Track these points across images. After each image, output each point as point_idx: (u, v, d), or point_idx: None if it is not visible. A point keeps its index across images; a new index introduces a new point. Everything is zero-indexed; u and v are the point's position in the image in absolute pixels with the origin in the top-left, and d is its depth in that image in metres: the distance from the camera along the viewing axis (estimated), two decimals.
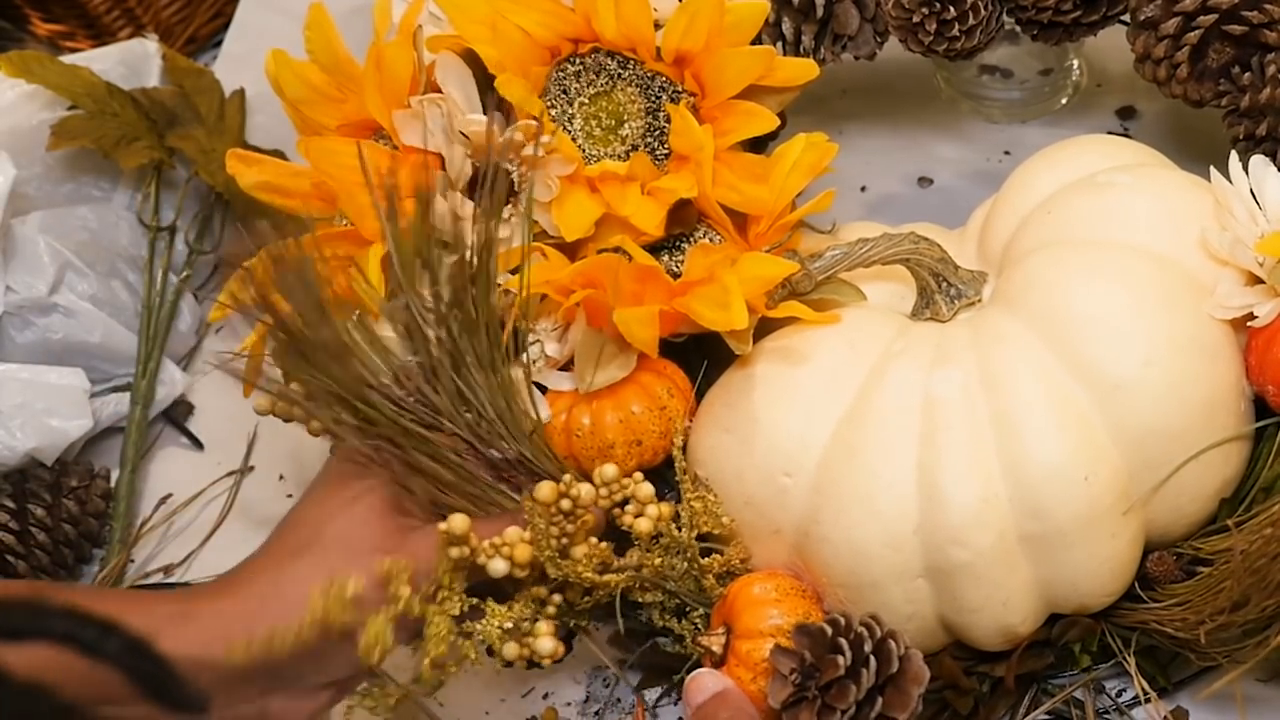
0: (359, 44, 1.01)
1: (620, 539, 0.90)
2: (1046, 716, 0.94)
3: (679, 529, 0.90)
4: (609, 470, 0.85)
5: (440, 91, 0.98)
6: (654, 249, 0.99)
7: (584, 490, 0.83)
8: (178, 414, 1.24)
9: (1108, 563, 0.88)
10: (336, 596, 0.81)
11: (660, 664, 0.99)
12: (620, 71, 1.00)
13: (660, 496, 0.89)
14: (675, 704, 1.00)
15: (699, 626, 0.93)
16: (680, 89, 1.00)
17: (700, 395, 0.97)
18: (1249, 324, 0.90)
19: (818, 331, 0.93)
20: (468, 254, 0.90)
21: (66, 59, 1.31)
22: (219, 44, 1.53)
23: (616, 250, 0.95)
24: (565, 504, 0.83)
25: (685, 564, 0.92)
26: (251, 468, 1.20)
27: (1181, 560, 0.91)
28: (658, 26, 0.99)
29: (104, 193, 1.30)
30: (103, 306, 1.21)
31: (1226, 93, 1.03)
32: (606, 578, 0.88)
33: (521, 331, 0.94)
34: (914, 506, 0.87)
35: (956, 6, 1.05)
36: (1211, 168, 0.94)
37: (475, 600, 0.85)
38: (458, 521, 0.81)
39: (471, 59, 0.98)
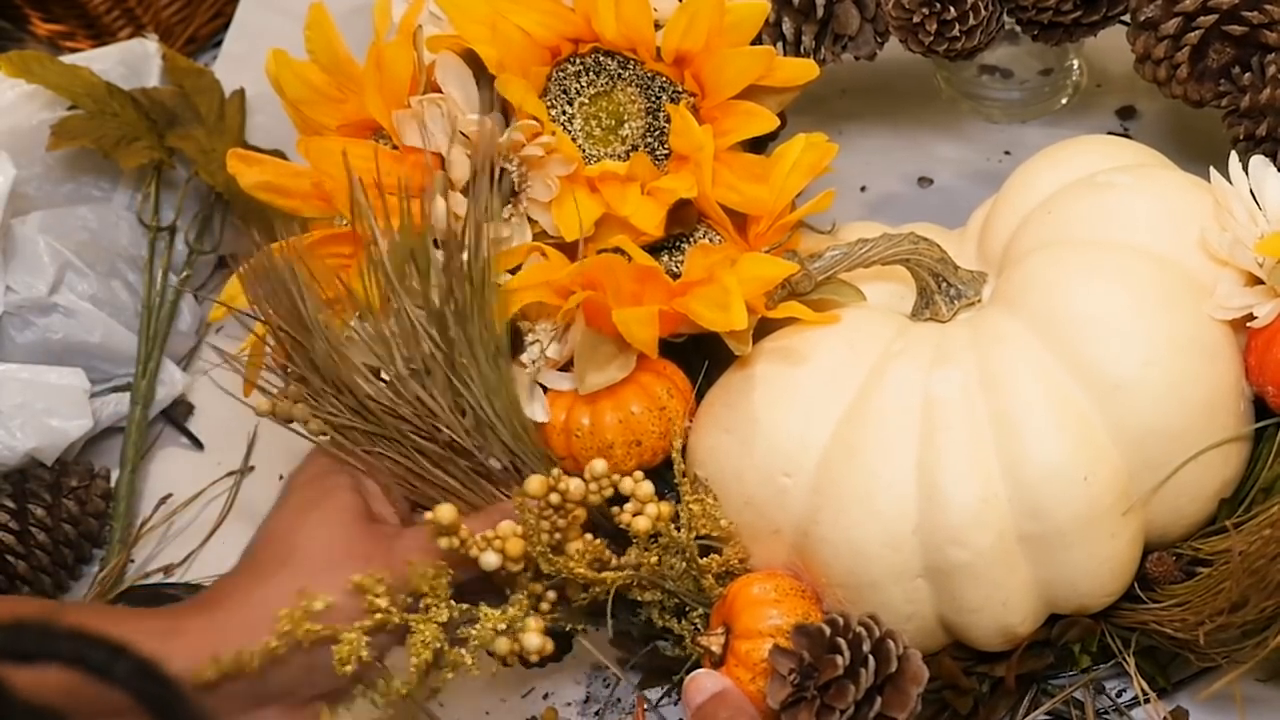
0: (359, 44, 1.01)
1: (618, 538, 0.91)
2: (1046, 717, 0.94)
3: (678, 529, 0.90)
4: (598, 465, 0.86)
5: (440, 91, 0.98)
6: (654, 249, 0.99)
7: (573, 484, 0.83)
8: (178, 414, 1.24)
9: (1107, 563, 0.88)
10: (304, 612, 0.81)
11: (660, 664, 0.99)
12: (620, 71, 1.00)
13: (660, 497, 0.89)
14: (675, 704, 1.00)
15: (698, 626, 0.93)
16: (680, 89, 1.00)
17: (700, 396, 0.97)
18: (1248, 324, 0.90)
19: (817, 332, 0.93)
20: (465, 254, 0.90)
21: (66, 59, 1.31)
22: (219, 44, 1.53)
23: (616, 250, 0.95)
24: (554, 498, 0.83)
25: (684, 564, 0.92)
26: (251, 468, 1.20)
27: (1181, 561, 0.91)
28: (658, 26, 0.99)
29: (104, 193, 1.30)
30: (103, 306, 1.21)
31: (1227, 93, 1.03)
32: (604, 575, 0.88)
33: (521, 331, 0.95)
34: (913, 506, 0.87)
35: (957, 7, 1.05)
36: (1211, 168, 0.94)
37: (466, 606, 0.85)
38: (445, 511, 0.82)
39: (471, 59, 0.98)
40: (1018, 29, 1.12)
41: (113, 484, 1.19)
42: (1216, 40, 1.02)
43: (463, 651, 0.85)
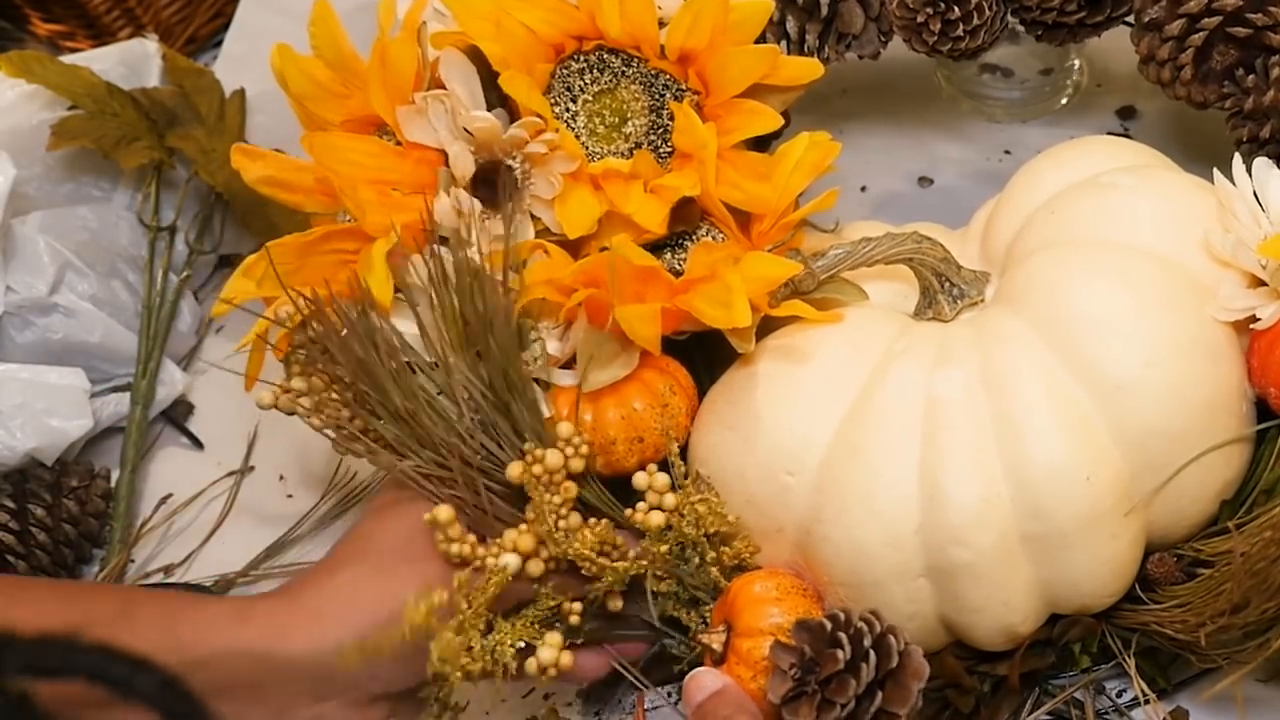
0: (363, 40, 1.01)
1: (636, 535, 0.91)
2: (1047, 717, 0.94)
3: (686, 524, 0.90)
4: (564, 428, 0.88)
5: (444, 88, 0.98)
6: (657, 247, 0.99)
7: (549, 455, 0.84)
8: (178, 414, 1.24)
9: (1109, 563, 0.88)
10: (429, 604, 0.81)
11: (660, 665, 0.99)
12: (624, 69, 1.00)
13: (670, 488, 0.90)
14: (675, 704, 1.00)
15: (706, 621, 0.93)
16: (684, 87, 1.00)
17: (702, 393, 0.97)
18: (1251, 326, 0.90)
19: (820, 330, 0.93)
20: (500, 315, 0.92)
21: (66, 59, 1.31)
22: (219, 44, 1.53)
23: None
24: (537, 470, 0.83)
25: (698, 559, 0.92)
26: (251, 468, 1.20)
27: (1182, 562, 0.91)
28: (662, 24, 0.99)
29: (104, 193, 1.30)
30: (103, 306, 1.21)
31: (1230, 95, 1.03)
32: (619, 564, 0.88)
33: (524, 329, 0.95)
34: (915, 506, 0.87)
35: (961, 6, 1.05)
36: (1215, 170, 0.94)
37: (491, 615, 0.86)
38: (442, 511, 0.82)
39: (476, 55, 0.98)
40: (1020, 29, 1.12)
41: (113, 484, 1.19)
42: (1221, 42, 1.02)
43: (491, 659, 0.86)
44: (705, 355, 0.98)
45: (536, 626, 0.89)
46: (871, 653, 0.84)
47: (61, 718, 0.57)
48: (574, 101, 1.01)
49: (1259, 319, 0.89)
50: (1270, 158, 0.95)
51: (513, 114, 0.99)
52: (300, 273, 0.98)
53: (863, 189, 1.26)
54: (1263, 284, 0.90)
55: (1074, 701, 0.95)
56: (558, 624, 0.90)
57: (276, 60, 1.01)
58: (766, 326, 0.94)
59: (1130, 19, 1.07)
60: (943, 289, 0.96)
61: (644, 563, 0.90)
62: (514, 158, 0.97)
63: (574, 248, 0.98)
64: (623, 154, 1.01)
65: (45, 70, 1.26)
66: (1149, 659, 0.94)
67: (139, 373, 1.22)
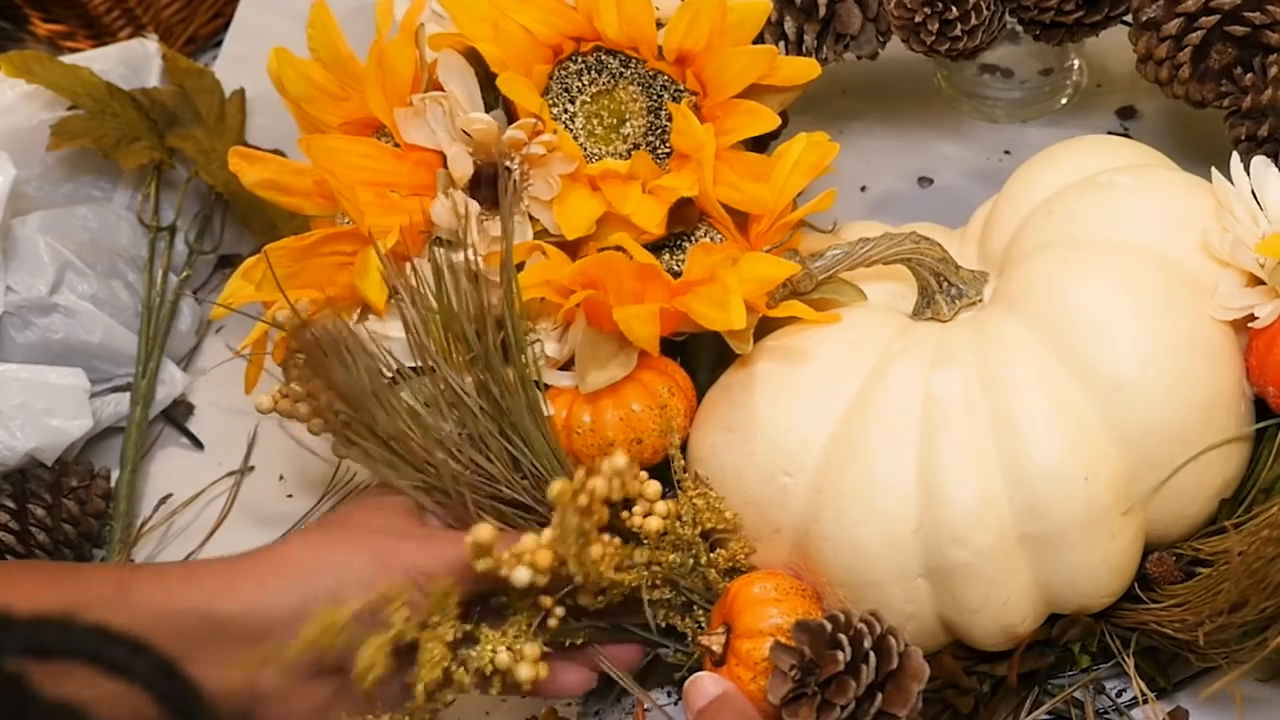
0: (361, 42, 1.01)
1: (626, 537, 0.91)
2: (1047, 716, 0.94)
3: (683, 526, 0.90)
4: (619, 460, 0.83)
5: (442, 90, 0.98)
6: (655, 248, 0.99)
7: (598, 484, 0.83)
8: (178, 414, 1.24)
9: (1107, 563, 0.88)
10: (331, 621, 0.81)
11: (660, 665, 0.99)
12: (622, 70, 1.00)
13: (662, 495, 0.89)
14: (675, 704, 1.00)
15: (702, 625, 0.93)
16: (682, 88, 1.00)
17: (701, 394, 0.97)
18: (1249, 325, 0.90)
19: (818, 331, 0.93)
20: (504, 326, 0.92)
21: (66, 59, 1.31)
22: (219, 44, 1.53)
23: (617, 249, 0.95)
24: (582, 499, 0.83)
25: (692, 561, 0.92)
26: (251, 468, 1.20)
27: (1181, 561, 0.91)
28: (660, 25, 0.99)
29: (104, 193, 1.30)
30: (103, 306, 1.21)
31: (1228, 94, 1.03)
32: (621, 576, 0.88)
33: (522, 331, 0.95)
34: (914, 506, 0.87)
35: (959, 6, 1.05)
36: (1213, 169, 0.94)
37: (469, 627, 0.85)
38: (484, 531, 0.81)
39: (474, 57, 0.98)
40: (1019, 29, 1.12)
41: (113, 484, 1.19)
42: (1218, 41, 1.02)
43: (464, 671, 0.85)
44: (704, 356, 0.98)
45: (525, 632, 0.88)
46: (872, 654, 0.84)
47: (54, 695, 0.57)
48: (572, 103, 1.01)
49: (1257, 318, 0.89)
50: (1268, 156, 0.95)
51: (511, 115, 0.99)
52: (299, 275, 0.98)
53: (862, 189, 1.26)
54: (1261, 283, 0.90)
55: (1073, 701, 0.95)
56: (540, 630, 0.89)
57: (274, 63, 1.01)
58: (765, 327, 0.94)
59: (1128, 18, 1.07)
60: (941, 289, 0.96)
61: (646, 572, 0.90)
62: (512, 159, 0.97)
63: (572, 249, 0.98)
64: (621, 155, 1.01)
65: (45, 70, 1.26)
66: (1148, 658, 0.94)
67: (139, 373, 1.22)
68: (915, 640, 0.87)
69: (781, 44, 1.10)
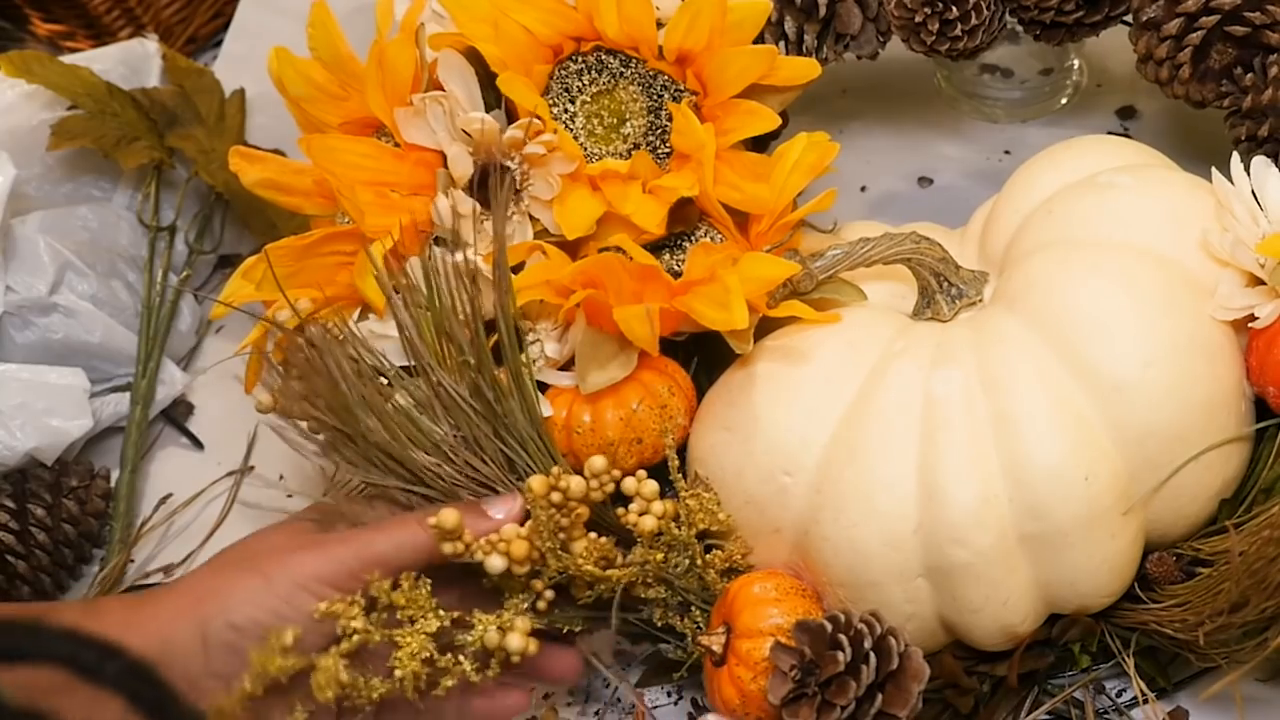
0: (361, 42, 1.01)
1: (622, 537, 0.91)
2: (1047, 716, 0.94)
3: (679, 527, 0.90)
4: (597, 462, 0.85)
5: (442, 89, 0.98)
6: (655, 247, 0.99)
7: (574, 482, 0.83)
8: (178, 414, 1.24)
9: (1107, 563, 0.88)
10: (274, 646, 0.80)
11: (660, 663, 0.99)
12: (622, 70, 1.00)
13: (660, 495, 0.89)
14: (675, 704, 1.00)
15: (700, 625, 0.93)
16: (682, 88, 1.00)
17: (701, 394, 0.97)
18: (1250, 325, 0.90)
19: (818, 331, 0.93)
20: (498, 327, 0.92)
21: (66, 59, 1.31)
22: (219, 44, 1.53)
23: (617, 249, 0.95)
24: (556, 496, 0.83)
25: (688, 561, 0.92)
26: (251, 468, 1.20)
27: (1181, 561, 0.91)
28: (660, 25, 0.99)
29: (104, 193, 1.30)
30: (103, 306, 1.21)
31: (1228, 94, 1.03)
32: (609, 573, 0.88)
33: (522, 330, 0.95)
34: (914, 506, 0.87)
35: (959, 6, 1.05)
36: (1213, 169, 0.94)
37: (459, 613, 0.85)
38: (448, 516, 0.82)
39: (474, 57, 0.98)
40: (1019, 28, 1.12)
41: (113, 484, 1.19)
42: (1218, 41, 1.02)
43: (461, 659, 0.85)
44: (704, 356, 0.98)
45: (520, 614, 0.88)
46: (872, 654, 0.84)
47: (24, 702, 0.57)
48: (572, 102, 1.01)
49: (1257, 318, 0.89)
50: (1268, 156, 0.95)
51: (511, 115, 0.99)
52: (299, 275, 0.98)
53: (862, 189, 1.26)
54: (1261, 283, 0.90)
55: (1073, 701, 0.95)
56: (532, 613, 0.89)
57: (274, 62, 1.01)
58: (765, 327, 0.94)
59: (1128, 18, 1.07)
60: (941, 289, 0.96)
61: (636, 569, 0.90)
62: (512, 159, 0.97)
63: (572, 249, 0.98)
64: (621, 155, 1.01)
65: (45, 70, 1.26)
66: (1148, 658, 0.94)
67: (139, 373, 1.22)
68: (915, 640, 0.87)
69: (781, 44, 1.10)
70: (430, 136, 0.99)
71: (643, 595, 0.91)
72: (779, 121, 0.99)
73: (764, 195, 0.97)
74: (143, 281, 1.26)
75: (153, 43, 1.36)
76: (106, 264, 1.23)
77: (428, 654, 0.83)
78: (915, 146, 1.28)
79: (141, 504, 1.19)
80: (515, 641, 0.84)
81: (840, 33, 1.10)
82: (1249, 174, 0.93)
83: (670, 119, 1.00)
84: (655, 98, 1.01)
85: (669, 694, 1.01)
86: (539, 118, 0.96)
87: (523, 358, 0.94)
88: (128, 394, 1.22)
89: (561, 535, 0.85)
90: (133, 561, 1.15)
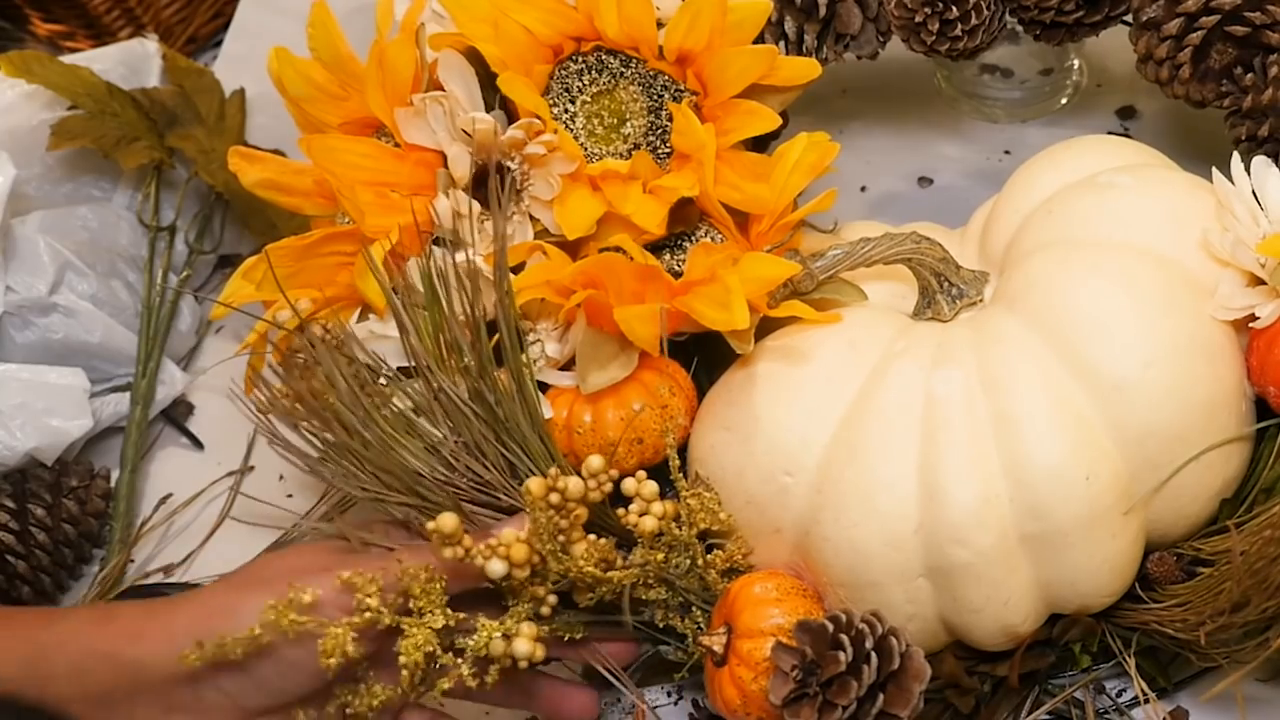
0: (361, 42, 1.01)
1: (622, 538, 0.91)
2: (1047, 716, 0.94)
3: (679, 527, 0.90)
4: (594, 461, 0.85)
5: (442, 89, 0.98)
6: (656, 248, 0.99)
7: (572, 483, 0.83)
8: (178, 414, 1.24)
9: (1108, 563, 0.88)
10: (292, 603, 0.80)
11: (660, 663, 0.99)
12: (622, 70, 1.00)
13: (661, 496, 0.89)
14: (675, 704, 1.00)
15: (702, 626, 0.93)
16: (682, 88, 1.00)
17: (702, 394, 0.97)
18: (1250, 325, 0.90)
19: (819, 331, 0.93)
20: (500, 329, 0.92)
21: (66, 59, 1.31)
22: (219, 44, 1.53)
23: (617, 249, 0.95)
24: (554, 497, 0.83)
25: (689, 561, 0.92)
26: (251, 468, 1.20)
27: (1182, 561, 0.91)
28: (660, 25, 0.99)
29: (104, 193, 1.30)
30: (103, 306, 1.21)
31: (1229, 94, 1.03)
32: (610, 574, 0.88)
33: (522, 331, 0.95)
34: (914, 506, 0.87)
35: (959, 6, 1.05)
36: (1214, 168, 0.94)
37: (465, 615, 0.85)
38: (447, 520, 0.81)
39: (474, 57, 0.98)
40: (1019, 28, 1.12)
41: (113, 484, 1.19)
42: (1219, 41, 1.02)
43: (459, 661, 0.85)
44: (704, 356, 0.98)
45: (523, 620, 0.88)
46: (873, 654, 0.84)
47: None
48: (572, 102, 1.01)
49: (1258, 318, 0.89)
50: (1268, 156, 0.95)
51: (511, 115, 0.99)
52: (299, 275, 0.98)
53: (862, 189, 1.26)
54: (1261, 282, 0.90)
55: (1074, 701, 0.95)
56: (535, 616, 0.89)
57: (274, 62, 1.01)
58: (765, 327, 0.94)
59: (1128, 18, 1.07)
60: (941, 289, 0.96)
61: (637, 570, 0.90)
62: (512, 159, 0.97)
63: (573, 249, 0.98)
64: (621, 155, 1.01)
65: (45, 70, 1.26)
66: (1149, 658, 0.94)
67: (139, 373, 1.22)
68: (916, 640, 0.87)
69: (782, 44, 1.10)
70: (430, 136, 0.99)
71: (644, 596, 0.91)
72: (779, 121, 0.99)
73: (764, 195, 0.97)
74: (143, 281, 1.26)
75: (153, 43, 1.36)
76: (106, 264, 1.23)
77: (431, 648, 0.83)
78: (915, 146, 1.28)
79: (141, 504, 1.19)
80: (522, 647, 0.84)
81: (840, 33, 1.10)
82: (1249, 174, 0.92)
83: (670, 119, 1.00)
84: (655, 98, 1.01)
85: (669, 694, 1.01)
86: (539, 118, 0.96)
87: (523, 358, 0.93)
88: (128, 394, 1.22)
89: (561, 537, 0.85)
90: (133, 561, 1.15)
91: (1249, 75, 1.02)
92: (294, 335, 0.93)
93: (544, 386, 0.96)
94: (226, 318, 1.04)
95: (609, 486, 0.86)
